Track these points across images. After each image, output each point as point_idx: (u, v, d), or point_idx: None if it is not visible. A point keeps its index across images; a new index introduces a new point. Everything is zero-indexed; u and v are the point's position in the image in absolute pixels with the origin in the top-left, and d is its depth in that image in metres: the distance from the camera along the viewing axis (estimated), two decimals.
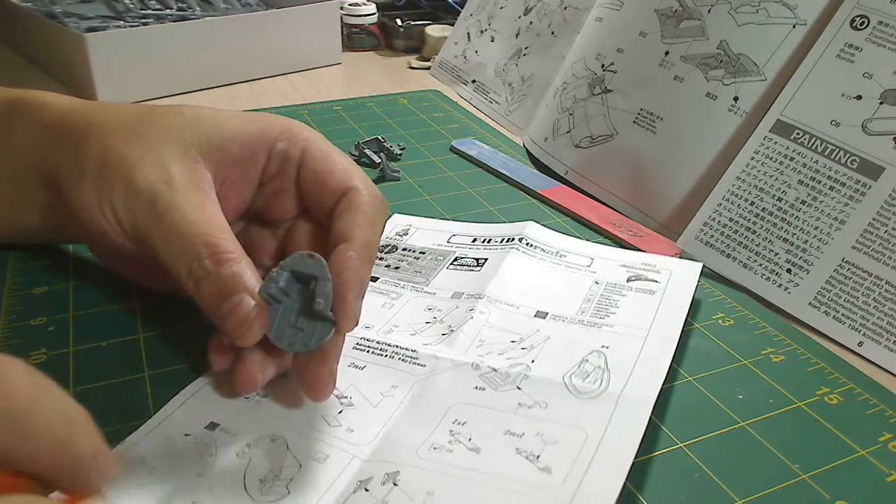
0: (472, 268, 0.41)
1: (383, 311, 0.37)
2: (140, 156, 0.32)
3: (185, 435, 0.29)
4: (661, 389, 0.31)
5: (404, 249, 0.43)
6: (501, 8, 0.73)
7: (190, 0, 0.79)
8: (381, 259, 0.42)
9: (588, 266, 0.41)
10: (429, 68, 0.81)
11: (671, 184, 0.48)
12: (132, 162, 0.31)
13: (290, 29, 0.76)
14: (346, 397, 0.31)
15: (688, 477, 0.29)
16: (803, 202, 0.41)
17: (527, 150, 0.60)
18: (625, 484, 0.26)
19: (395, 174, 0.53)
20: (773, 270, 0.41)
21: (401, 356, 0.34)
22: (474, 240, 0.44)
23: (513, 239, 0.43)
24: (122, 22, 0.74)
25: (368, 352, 0.34)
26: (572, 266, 0.41)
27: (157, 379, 0.33)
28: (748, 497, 0.28)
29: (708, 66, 0.47)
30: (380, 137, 0.58)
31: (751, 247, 0.42)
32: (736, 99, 0.46)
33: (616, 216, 0.49)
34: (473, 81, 0.73)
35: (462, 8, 0.80)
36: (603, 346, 0.34)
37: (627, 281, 0.40)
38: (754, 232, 0.42)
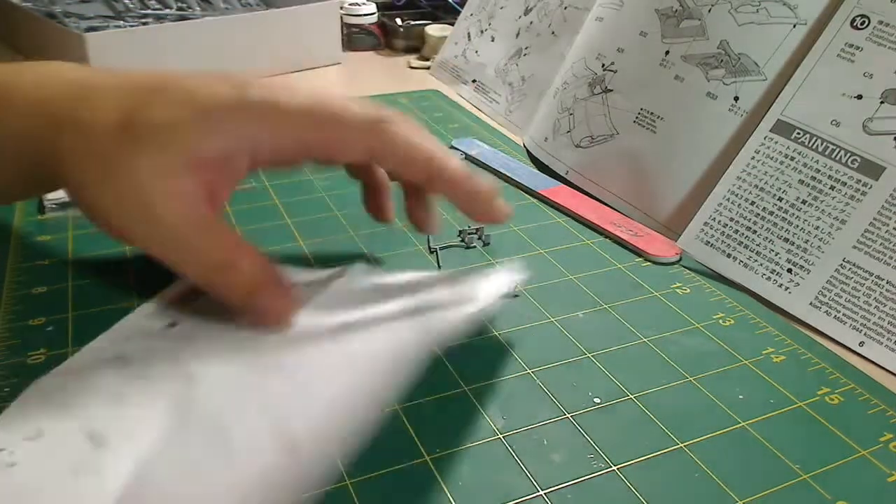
0: None
1: None
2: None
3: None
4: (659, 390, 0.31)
5: None
6: (502, 8, 0.73)
7: (190, 0, 0.79)
8: None
9: None
10: (429, 68, 0.81)
11: (671, 184, 0.48)
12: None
13: (290, 29, 0.76)
14: None
15: (688, 477, 0.29)
16: (804, 202, 0.41)
17: (527, 149, 0.60)
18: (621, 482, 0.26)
19: None
20: (774, 270, 0.41)
21: None
22: None
23: None
24: (121, 22, 0.75)
25: None
26: None
27: None
28: (748, 497, 0.28)
29: (708, 66, 0.47)
30: None
31: (751, 246, 0.42)
32: (736, 99, 0.46)
33: (616, 216, 0.48)
34: (473, 81, 0.73)
35: (462, 8, 0.80)
36: None
37: None
38: (755, 231, 0.42)
